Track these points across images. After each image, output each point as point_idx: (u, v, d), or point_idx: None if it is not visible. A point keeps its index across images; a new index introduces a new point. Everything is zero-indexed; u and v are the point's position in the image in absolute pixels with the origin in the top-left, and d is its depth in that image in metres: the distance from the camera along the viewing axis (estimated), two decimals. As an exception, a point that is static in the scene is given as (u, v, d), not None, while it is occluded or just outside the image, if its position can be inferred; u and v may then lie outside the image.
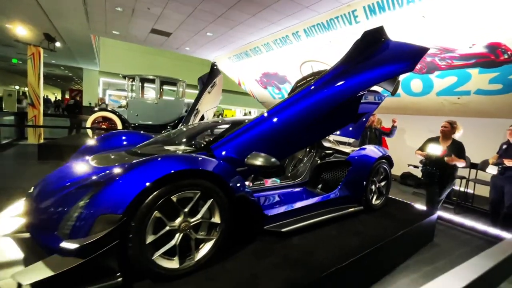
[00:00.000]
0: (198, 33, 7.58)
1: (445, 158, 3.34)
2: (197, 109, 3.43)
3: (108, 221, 1.33)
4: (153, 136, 2.99)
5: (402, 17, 4.54)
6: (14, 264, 1.43)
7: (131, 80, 7.34)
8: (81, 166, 1.97)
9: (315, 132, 2.17)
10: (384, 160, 3.17)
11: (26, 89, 31.06)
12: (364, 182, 2.91)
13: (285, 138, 2.08)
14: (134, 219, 1.38)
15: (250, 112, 27.67)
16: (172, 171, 1.46)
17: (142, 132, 3.08)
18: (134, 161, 1.59)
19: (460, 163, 3.39)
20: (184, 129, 2.93)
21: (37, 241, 1.54)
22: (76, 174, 1.81)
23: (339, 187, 2.86)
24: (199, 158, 1.68)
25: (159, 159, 1.55)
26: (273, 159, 1.87)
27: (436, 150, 3.49)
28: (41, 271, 1.25)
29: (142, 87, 7.73)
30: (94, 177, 1.59)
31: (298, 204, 2.47)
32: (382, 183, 3.24)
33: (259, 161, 1.84)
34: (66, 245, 1.29)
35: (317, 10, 5.29)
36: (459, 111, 5.69)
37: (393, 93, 2.89)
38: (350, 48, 2.10)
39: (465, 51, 4.51)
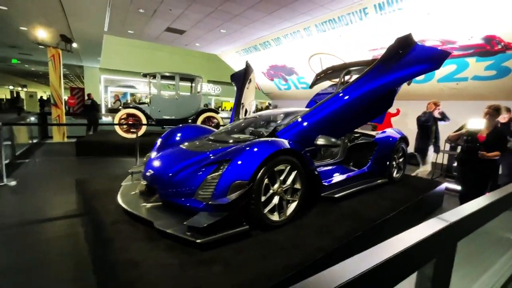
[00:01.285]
0: (212, 30, 7.99)
1: (479, 153, 3.13)
2: (242, 103, 3.97)
3: (240, 185, 1.92)
4: (208, 128, 3.56)
5: (409, 15, 5.10)
6: (164, 219, 2.00)
7: (152, 77, 7.75)
8: (184, 152, 2.53)
9: (361, 119, 2.77)
10: (402, 140, 3.81)
11: (19, 89, 30.32)
12: (388, 159, 3.56)
13: (338, 124, 2.68)
14: (255, 184, 1.96)
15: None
16: (280, 149, 2.05)
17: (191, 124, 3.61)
18: (245, 143, 2.17)
19: (493, 157, 3.14)
20: (239, 121, 3.49)
21: (176, 206, 2.12)
22: (186, 158, 2.37)
23: (369, 163, 3.49)
24: (287, 142, 2.26)
25: (268, 142, 2.14)
26: (333, 139, 2.47)
27: (478, 124, 3.20)
28: (202, 220, 1.83)
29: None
30: (211, 157, 2.16)
31: (341, 177, 3.09)
32: (401, 160, 3.88)
33: (325, 142, 2.44)
34: (215, 203, 1.88)
35: (330, 8, 5.79)
36: (457, 96, 6.36)
37: (409, 84, 3.50)
38: (385, 51, 2.67)
39: (464, 42, 5.13)
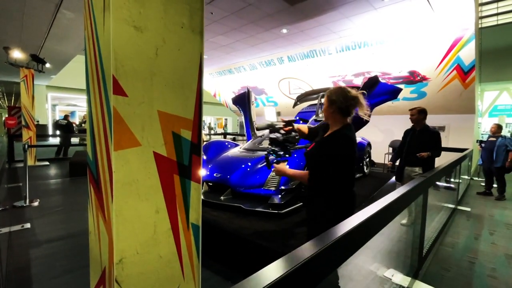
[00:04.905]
0: (195, 56, 8.84)
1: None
2: (253, 122, 4.98)
3: (297, 176, 2.95)
4: (232, 142, 4.48)
5: (360, 54, 6.92)
6: (245, 203, 2.88)
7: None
8: (238, 159, 3.43)
9: (352, 131, 4.09)
10: (369, 145, 5.32)
11: None
12: (362, 159, 4.98)
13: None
14: (304, 175, 3.02)
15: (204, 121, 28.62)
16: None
17: (222, 139, 4.50)
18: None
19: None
20: (259, 138, 4.50)
21: (250, 195, 3.01)
22: (243, 163, 3.27)
23: (350, 162, 4.85)
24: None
25: (304, 149, 3.22)
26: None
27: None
28: (279, 200, 2.79)
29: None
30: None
31: (337, 173, 4.35)
32: (367, 160, 5.37)
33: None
34: (282, 189, 2.86)
35: (302, 44, 7.33)
36: (392, 111, 8.47)
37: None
38: (362, 85, 4.06)
39: (396, 74, 7.15)
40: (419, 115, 3.38)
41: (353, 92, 1.60)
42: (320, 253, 1.01)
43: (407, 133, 3.64)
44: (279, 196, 2.87)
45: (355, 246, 1.41)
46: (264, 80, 10.24)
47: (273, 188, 2.94)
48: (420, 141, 3.33)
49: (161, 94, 0.83)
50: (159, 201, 0.85)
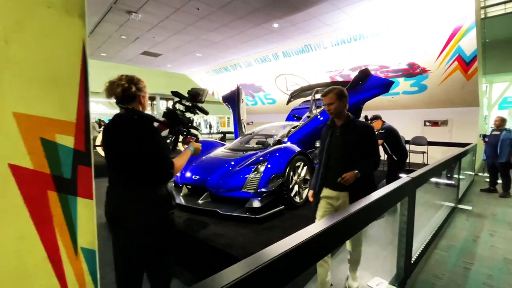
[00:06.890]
0: (188, 54, 8.70)
1: None
2: (242, 119, 4.80)
3: (277, 177, 2.78)
4: (218, 142, 4.31)
5: (356, 47, 6.65)
6: (222, 208, 2.71)
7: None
8: (218, 160, 3.25)
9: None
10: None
11: None
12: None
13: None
14: (285, 176, 2.83)
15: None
16: (298, 151, 2.97)
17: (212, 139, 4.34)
18: (274, 148, 3.02)
19: None
20: (246, 136, 4.32)
21: (228, 198, 2.84)
22: (223, 164, 3.10)
23: (344, 160, 4.63)
24: (296, 146, 3.19)
25: (289, 146, 3.03)
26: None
27: None
28: (257, 203, 2.62)
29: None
30: (253, 159, 2.96)
31: (328, 172, 4.14)
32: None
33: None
34: (262, 191, 2.69)
35: (295, 39, 7.09)
36: (393, 106, 8.17)
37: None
38: (352, 79, 3.84)
39: (395, 67, 6.85)
40: (340, 101, 1.88)
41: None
42: (274, 261, 0.82)
43: (325, 134, 2.10)
44: (259, 199, 2.70)
45: (316, 255, 1.23)
46: (261, 77, 10.03)
47: (252, 191, 2.76)
48: (345, 143, 1.93)
49: (18, 91, 0.67)
50: (23, 225, 0.68)
